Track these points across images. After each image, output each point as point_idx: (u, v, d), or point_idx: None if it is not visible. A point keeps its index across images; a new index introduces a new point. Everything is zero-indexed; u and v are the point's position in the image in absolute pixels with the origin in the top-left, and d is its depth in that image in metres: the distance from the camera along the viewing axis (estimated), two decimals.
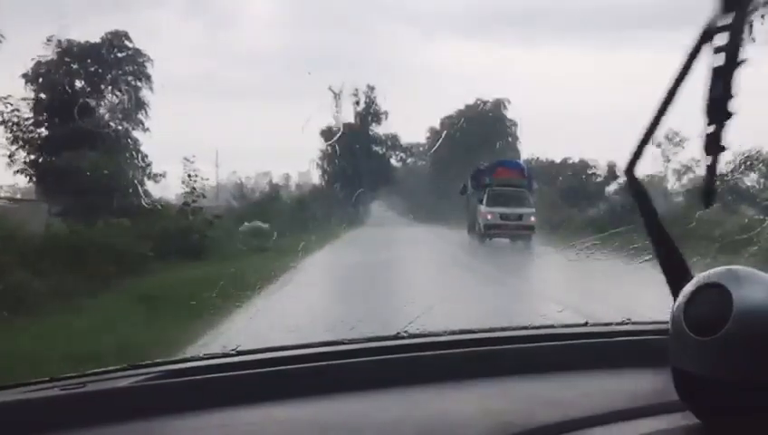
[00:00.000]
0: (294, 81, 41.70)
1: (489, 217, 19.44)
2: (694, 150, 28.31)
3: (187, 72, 38.97)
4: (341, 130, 38.99)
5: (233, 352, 1.36)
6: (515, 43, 45.23)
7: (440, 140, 38.32)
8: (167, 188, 21.86)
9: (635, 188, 1.00)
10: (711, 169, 0.91)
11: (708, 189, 0.93)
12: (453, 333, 1.44)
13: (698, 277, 0.88)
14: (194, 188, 15.30)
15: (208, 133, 37.25)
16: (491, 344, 1.36)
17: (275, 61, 44.09)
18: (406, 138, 41.10)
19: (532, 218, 19.46)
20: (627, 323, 1.47)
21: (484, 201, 19.99)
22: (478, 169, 22.18)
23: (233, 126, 39.48)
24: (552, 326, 1.51)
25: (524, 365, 1.27)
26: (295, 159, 39.15)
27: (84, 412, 1.10)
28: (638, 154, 0.99)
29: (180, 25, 39.38)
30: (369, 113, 39.40)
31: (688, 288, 0.87)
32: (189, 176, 15.48)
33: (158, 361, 1.33)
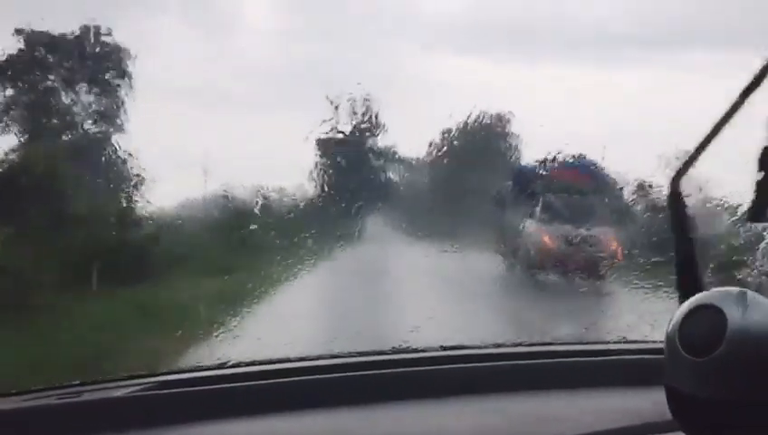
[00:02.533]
0: (293, 93, 42.69)
1: (545, 239, 13.12)
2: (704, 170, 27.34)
3: (185, 81, 39.91)
4: (338, 140, 38.38)
5: (228, 363, 1.43)
6: (516, 58, 46.43)
7: (444, 149, 37.66)
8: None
9: (675, 200, 1.07)
10: (763, 184, 0.97)
11: (758, 205, 0.97)
12: (448, 348, 1.48)
13: (692, 299, 0.92)
14: (134, 191, 12.34)
15: (205, 143, 37.47)
16: (485, 361, 1.42)
17: (274, 72, 45.25)
18: (405, 152, 40.41)
19: (614, 244, 12.34)
20: (622, 342, 1.53)
21: (537, 215, 14.00)
22: (523, 169, 15.56)
23: (231, 136, 39.92)
24: (547, 344, 1.58)
25: (520, 382, 1.31)
26: (293, 171, 38.67)
27: (80, 422, 1.16)
28: (685, 167, 1.09)
29: (180, 35, 40.71)
30: (368, 124, 38.85)
31: (683, 308, 0.92)
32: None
33: (153, 372, 1.40)
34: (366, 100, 38.59)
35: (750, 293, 0.91)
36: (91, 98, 21.52)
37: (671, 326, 0.93)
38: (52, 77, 21.07)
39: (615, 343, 1.56)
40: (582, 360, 1.48)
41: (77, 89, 21.35)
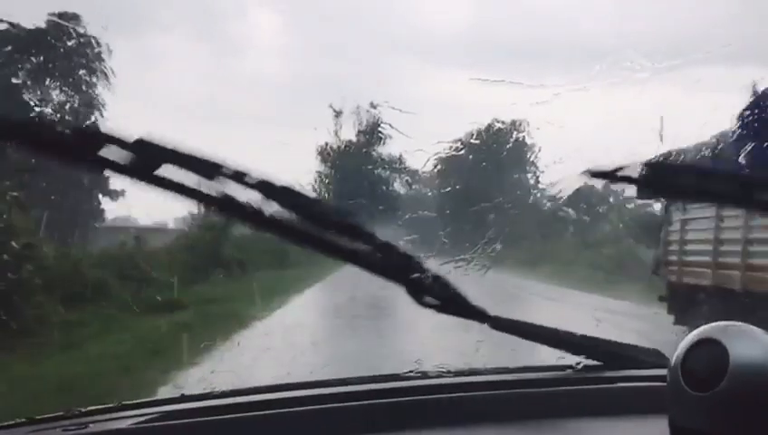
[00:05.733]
0: (298, 108, 43.21)
1: None
2: None
3: (189, 95, 39.99)
4: (341, 148, 36.33)
5: (235, 391, 1.39)
6: (521, 75, 47.14)
7: (456, 157, 35.56)
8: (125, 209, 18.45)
9: None
10: None
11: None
12: (456, 374, 1.49)
13: (694, 332, 0.94)
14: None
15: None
16: (486, 389, 1.43)
17: (278, 88, 45.85)
18: (412, 163, 38.46)
19: None
20: (623, 369, 1.50)
21: None
22: None
23: (234, 151, 38.86)
24: (550, 369, 1.51)
25: (523, 411, 1.32)
26: (296, 184, 37.89)
27: None
28: None
29: (185, 51, 41.09)
30: (372, 132, 36.93)
31: (685, 342, 0.93)
32: None
33: (160, 398, 1.39)
34: (370, 108, 36.78)
35: (751, 327, 0.92)
36: (63, 96, 19.34)
37: (674, 360, 0.94)
38: (18, 73, 19.00)
39: (615, 369, 1.47)
40: (584, 388, 1.42)
41: (46, 86, 19.27)
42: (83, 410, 1.26)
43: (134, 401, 1.31)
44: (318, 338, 6.19)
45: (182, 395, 1.35)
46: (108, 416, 1.26)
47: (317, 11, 49.96)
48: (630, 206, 25.59)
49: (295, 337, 6.40)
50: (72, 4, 18.46)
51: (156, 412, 1.25)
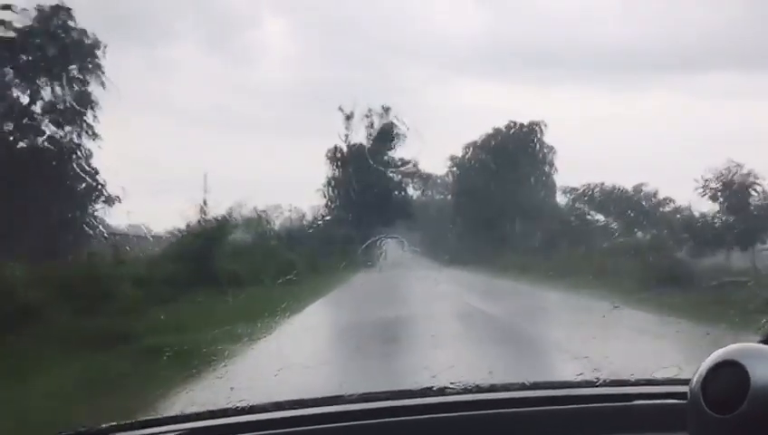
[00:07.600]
0: (310, 117, 44.45)
1: None
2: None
3: (200, 103, 41.56)
4: (351, 152, 35.16)
5: (261, 406, 1.37)
6: (531, 82, 47.29)
7: (470, 161, 34.20)
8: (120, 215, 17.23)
9: None
10: None
11: None
12: (470, 391, 1.45)
13: (715, 354, 0.93)
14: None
15: (220, 164, 37.03)
16: (512, 406, 1.40)
17: (291, 96, 46.60)
18: (426, 168, 37.14)
19: None
20: (643, 384, 1.50)
21: None
22: None
23: (247, 158, 39.84)
24: (568, 386, 1.47)
25: (543, 429, 1.30)
26: (309, 192, 37.75)
27: None
28: None
29: (197, 58, 41.65)
30: (384, 135, 35.57)
31: (706, 364, 0.93)
32: None
33: (185, 414, 1.38)
34: (382, 111, 35.48)
35: None
36: (53, 96, 18.19)
37: (694, 382, 0.92)
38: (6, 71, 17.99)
39: (634, 384, 1.49)
40: (604, 405, 1.41)
41: (36, 84, 18.20)
42: (107, 425, 1.29)
43: (159, 417, 1.36)
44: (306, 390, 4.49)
45: (207, 411, 1.37)
46: (132, 432, 1.29)
47: (330, 19, 49.75)
48: (666, 209, 23.85)
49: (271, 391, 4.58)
50: (78, 8, 17.46)
51: (181, 429, 1.28)
